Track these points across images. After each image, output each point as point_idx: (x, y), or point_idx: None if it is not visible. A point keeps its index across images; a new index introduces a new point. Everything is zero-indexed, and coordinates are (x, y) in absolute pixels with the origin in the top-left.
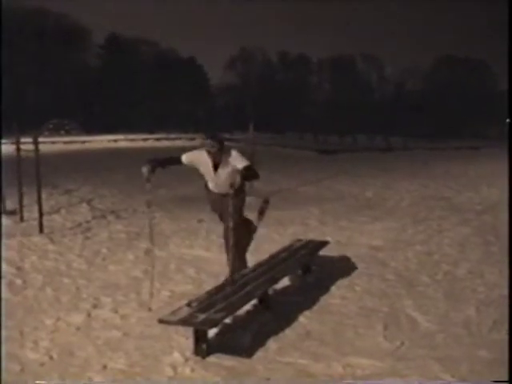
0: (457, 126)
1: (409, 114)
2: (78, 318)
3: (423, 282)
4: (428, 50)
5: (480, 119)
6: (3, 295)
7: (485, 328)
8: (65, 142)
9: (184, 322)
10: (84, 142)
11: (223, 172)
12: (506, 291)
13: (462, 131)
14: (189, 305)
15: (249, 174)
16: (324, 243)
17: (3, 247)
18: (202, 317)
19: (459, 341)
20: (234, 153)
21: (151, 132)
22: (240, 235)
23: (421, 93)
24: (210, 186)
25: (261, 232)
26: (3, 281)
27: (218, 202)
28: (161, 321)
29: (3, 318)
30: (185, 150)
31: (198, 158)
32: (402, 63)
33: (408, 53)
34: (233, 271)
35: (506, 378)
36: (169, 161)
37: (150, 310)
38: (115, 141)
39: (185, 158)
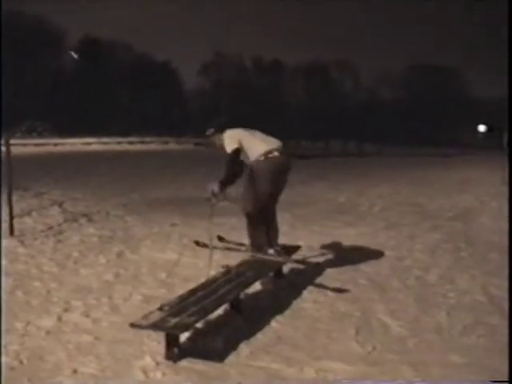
0: (430, 132)
1: (383, 120)
2: (48, 322)
3: (395, 287)
4: (402, 57)
5: (453, 126)
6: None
7: (456, 333)
8: (36, 144)
9: (155, 326)
10: (56, 144)
11: None
12: (476, 296)
13: (436, 138)
14: (160, 309)
15: None
16: (296, 248)
17: None
18: (173, 321)
19: (431, 345)
20: None
21: (126, 135)
22: None
23: (395, 100)
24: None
25: (232, 236)
26: None
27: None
28: (132, 325)
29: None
30: (157, 153)
31: (240, 133)
32: (377, 70)
33: (382, 60)
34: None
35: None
36: (232, 174)
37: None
38: (88, 144)
39: (233, 144)
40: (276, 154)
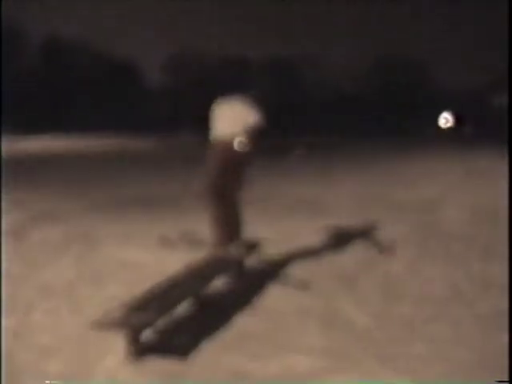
0: (394, 125)
1: (348, 114)
2: (11, 323)
3: (360, 279)
4: (366, 50)
5: (417, 118)
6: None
7: (420, 324)
8: None
9: (117, 324)
10: (19, 144)
11: None
12: (442, 288)
13: (400, 130)
14: (121, 306)
15: None
16: (258, 243)
17: None
18: (134, 318)
19: (396, 338)
20: None
21: (87, 135)
22: None
23: (359, 93)
24: None
25: (203, 231)
26: None
27: None
28: (93, 324)
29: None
30: (120, 153)
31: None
32: (341, 64)
33: (345, 53)
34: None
35: (447, 371)
36: None
37: None
38: (49, 144)
39: None
40: (216, 141)
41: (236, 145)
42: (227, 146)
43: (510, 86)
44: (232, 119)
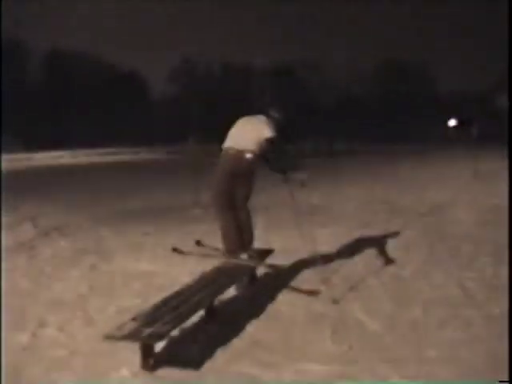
0: (401, 129)
1: (353, 118)
2: (23, 338)
3: (370, 285)
4: (369, 53)
5: (424, 121)
6: None
7: (431, 328)
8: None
9: (130, 336)
10: (23, 159)
11: None
12: (451, 290)
13: (406, 133)
14: (134, 319)
15: None
16: (269, 251)
17: None
18: (147, 331)
19: (407, 341)
20: None
21: (96, 146)
22: None
23: (365, 97)
24: None
25: (206, 243)
26: None
27: None
28: (106, 337)
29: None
30: (128, 164)
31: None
32: (346, 67)
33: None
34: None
35: (459, 373)
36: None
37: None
38: (58, 157)
39: None
40: (227, 151)
41: (299, 182)
42: (238, 155)
43: (510, 86)
44: (248, 133)
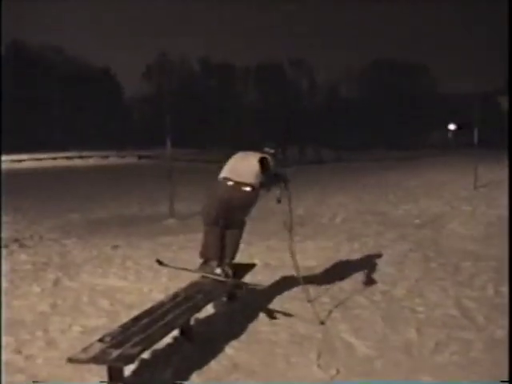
0: (394, 134)
1: (342, 122)
2: None
3: (359, 303)
4: (361, 53)
5: (420, 125)
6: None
7: (426, 351)
8: None
9: (96, 359)
10: None
11: None
12: (448, 310)
13: (401, 138)
14: (101, 340)
15: None
16: (250, 266)
17: None
18: (116, 353)
19: (399, 366)
20: None
21: (63, 149)
22: None
23: (355, 99)
24: None
25: (181, 257)
26: None
27: None
28: (70, 360)
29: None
30: (97, 169)
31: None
32: (335, 68)
33: (340, 57)
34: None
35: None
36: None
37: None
38: (20, 161)
39: None
40: (225, 181)
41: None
42: (237, 187)
43: (509, 86)
44: (246, 167)
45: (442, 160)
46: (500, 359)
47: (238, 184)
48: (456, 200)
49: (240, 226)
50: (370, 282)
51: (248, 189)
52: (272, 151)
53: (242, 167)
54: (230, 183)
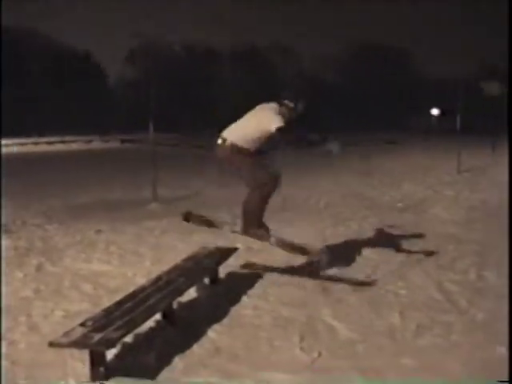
0: (378, 119)
1: (327, 107)
2: None
3: (342, 287)
4: (344, 38)
5: (403, 110)
6: None
7: (409, 334)
8: None
9: (77, 343)
10: None
11: None
12: (431, 293)
13: (385, 123)
14: (83, 324)
15: None
16: (233, 250)
17: None
18: (97, 337)
19: (381, 349)
20: None
21: (45, 134)
22: None
23: (339, 85)
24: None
25: (164, 241)
26: None
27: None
28: (52, 344)
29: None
30: (80, 153)
31: None
32: (320, 54)
33: (325, 42)
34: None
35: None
36: None
37: None
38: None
39: None
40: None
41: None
42: (223, 146)
43: (509, 84)
44: (249, 125)
45: (425, 145)
46: (481, 342)
47: (223, 143)
48: (439, 185)
49: (253, 186)
50: (352, 265)
51: (227, 149)
52: (291, 105)
53: (241, 124)
54: (219, 141)
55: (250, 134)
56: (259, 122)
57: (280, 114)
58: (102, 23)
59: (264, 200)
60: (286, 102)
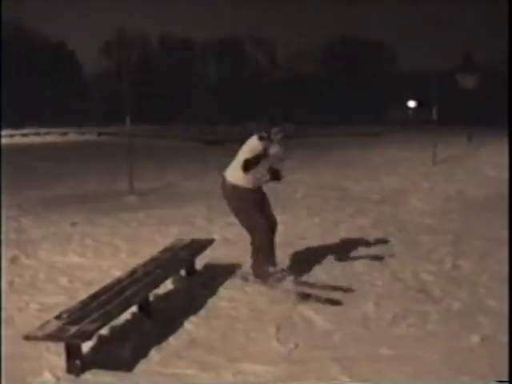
0: (355, 110)
1: (303, 99)
2: None
3: (318, 278)
4: (321, 30)
5: (380, 102)
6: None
7: (384, 324)
8: None
9: (53, 336)
10: None
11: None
12: (407, 283)
13: (360, 116)
14: (58, 317)
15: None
16: (209, 241)
17: None
18: (73, 329)
19: (357, 339)
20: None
21: (19, 126)
22: None
23: (316, 76)
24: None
25: (140, 234)
26: None
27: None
28: (27, 337)
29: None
30: (55, 146)
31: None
32: (295, 45)
33: (300, 33)
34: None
35: (414, 372)
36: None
37: None
38: None
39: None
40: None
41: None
42: (223, 183)
43: (509, 82)
44: (236, 159)
45: (402, 136)
46: (456, 331)
47: (223, 180)
48: (415, 176)
49: (250, 230)
50: (329, 256)
51: (228, 185)
52: (265, 135)
53: (235, 161)
54: (220, 179)
55: (238, 169)
56: (238, 157)
57: (252, 147)
58: (76, 13)
59: (264, 241)
60: (261, 134)
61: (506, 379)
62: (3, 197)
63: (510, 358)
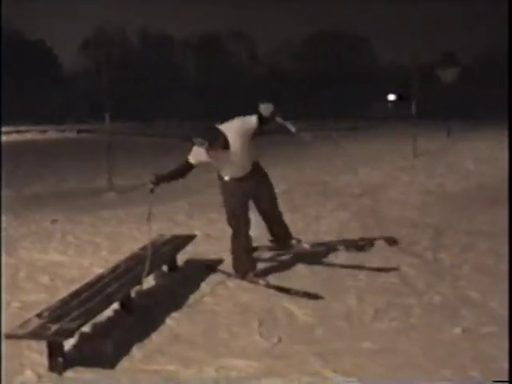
0: (334, 105)
1: (284, 93)
2: None
3: (300, 272)
4: (301, 25)
5: (360, 97)
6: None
7: (367, 318)
8: None
9: (34, 334)
10: None
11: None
12: (389, 278)
13: (342, 110)
14: (39, 315)
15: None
16: (191, 237)
17: None
18: (54, 327)
19: (340, 333)
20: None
21: None
22: None
23: (297, 71)
24: (238, 172)
25: (121, 231)
26: None
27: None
28: (8, 336)
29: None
30: (35, 143)
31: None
32: (275, 40)
33: (280, 29)
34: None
35: (396, 365)
36: (174, 173)
37: None
38: None
39: (193, 158)
40: None
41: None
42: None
43: (509, 82)
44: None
45: (382, 130)
46: (438, 324)
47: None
48: (395, 169)
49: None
50: (311, 250)
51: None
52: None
53: None
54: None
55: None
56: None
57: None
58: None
59: (237, 237)
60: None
61: (505, 379)
62: None
63: (509, 357)
